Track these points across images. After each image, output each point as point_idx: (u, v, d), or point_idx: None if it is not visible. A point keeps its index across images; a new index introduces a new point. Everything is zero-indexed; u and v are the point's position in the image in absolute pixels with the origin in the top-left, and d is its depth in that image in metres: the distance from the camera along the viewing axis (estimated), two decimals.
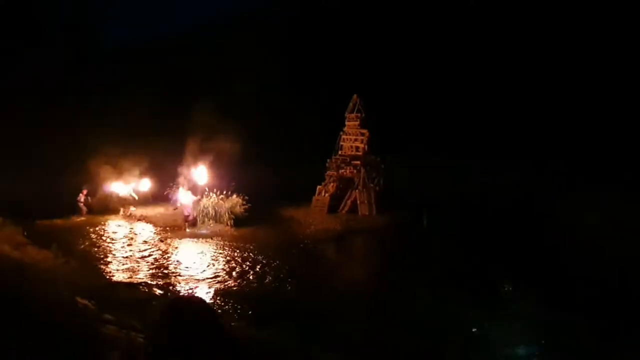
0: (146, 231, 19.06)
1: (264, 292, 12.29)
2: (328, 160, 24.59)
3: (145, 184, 22.70)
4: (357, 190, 23.09)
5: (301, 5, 30.12)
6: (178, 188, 21.42)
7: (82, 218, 21.20)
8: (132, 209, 21.87)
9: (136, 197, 22.57)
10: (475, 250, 15.76)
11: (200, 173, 21.32)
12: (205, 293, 12.14)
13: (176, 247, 16.52)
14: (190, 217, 19.95)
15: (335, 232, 19.41)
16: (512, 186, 22.91)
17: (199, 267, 14.29)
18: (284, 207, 23.24)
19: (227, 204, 20.78)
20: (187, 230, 19.52)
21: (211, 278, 13.24)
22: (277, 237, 18.36)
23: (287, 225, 20.38)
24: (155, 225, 19.89)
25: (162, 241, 17.24)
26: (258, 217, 20.59)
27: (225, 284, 12.86)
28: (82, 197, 21.88)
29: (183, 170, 21.73)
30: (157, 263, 14.69)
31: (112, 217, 21.22)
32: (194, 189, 20.96)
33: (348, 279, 13.60)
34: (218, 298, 11.87)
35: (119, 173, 22.47)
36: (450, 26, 25.96)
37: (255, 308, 11.23)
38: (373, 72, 26.06)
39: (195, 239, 17.72)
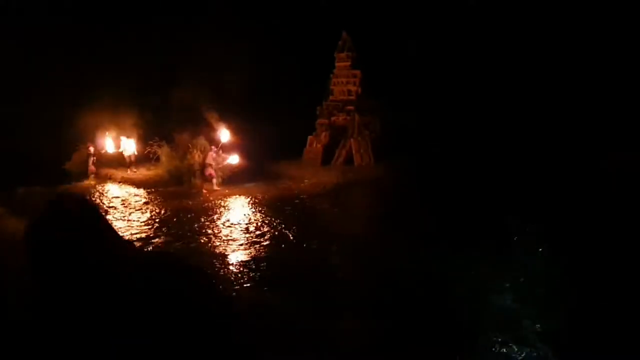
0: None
1: (260, 255, 10.77)
2: (318, 107, 22.47)
3: (131, 145, 20.04)
4: (351, 139, 21.18)
5: None
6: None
7: (92, 182, 18.73)
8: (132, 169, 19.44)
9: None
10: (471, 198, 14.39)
11: (223, 132, 18.69)
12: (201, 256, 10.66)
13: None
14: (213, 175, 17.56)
15: (331, 186, 17.50)
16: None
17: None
18: (275, 161, 21.39)
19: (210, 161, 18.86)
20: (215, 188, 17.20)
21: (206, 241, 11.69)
22: (269, 193, 16.60)
23: (279, 181, 18.53)
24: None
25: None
26: (249, 174, 18.82)
27: (220, 247, 11.37)
28: (91, 158, 19.18)
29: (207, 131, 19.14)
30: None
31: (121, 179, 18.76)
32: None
33: (345, 236, 11.90)
34: (216, 261, 10.40)
35: (116, 131, 20.16)
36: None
37: (253, 271, 9.85)
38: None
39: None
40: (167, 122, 21.23)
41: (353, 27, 21.54)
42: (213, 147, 17.96)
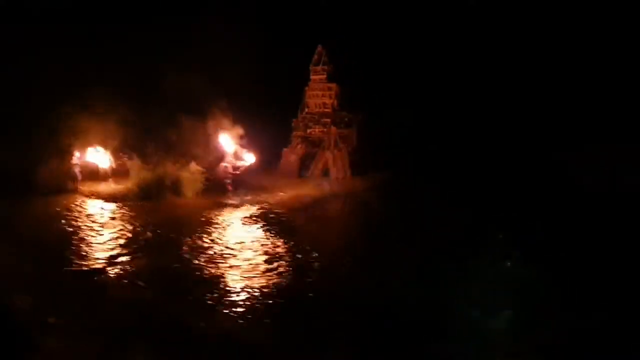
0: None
1: (237, 278, 10.20)
2: (293, 119, 22.24)
3: (104, 157, 19.32)
4: (328, 152, 20.97)
5: None
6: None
7: (77, 187, 18.08)
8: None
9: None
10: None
11: (225, 140, 18.41)
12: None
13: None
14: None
15: (307, 199, 17.27)
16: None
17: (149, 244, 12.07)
18: (249, 174, 20.93)
19: (186, 173, 18.29)
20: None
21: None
22: (244, 206, 16.12)
23: (254, 194, 18.08)
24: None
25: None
26: (219, 186, 18.29)
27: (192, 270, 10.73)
28: (77, 167, 18.54)
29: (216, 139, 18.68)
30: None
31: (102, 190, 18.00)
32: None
33: (324, 253, 11.60)
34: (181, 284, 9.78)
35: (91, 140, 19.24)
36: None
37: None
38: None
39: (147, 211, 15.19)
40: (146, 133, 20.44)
41: (343, 31, 21.31)
42: (229, 152, 17.55)
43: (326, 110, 21.17)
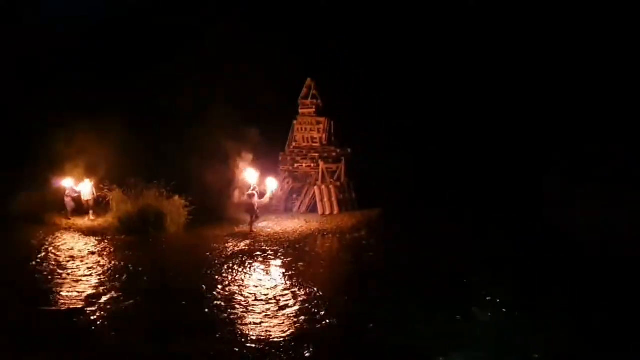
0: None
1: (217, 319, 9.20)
2: (281, 153, 21.63)
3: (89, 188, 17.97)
4: (315, 187, 20.36)
5: None
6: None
7: (69, 219, 17.26)
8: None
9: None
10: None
11: (250, 172, 17.77)
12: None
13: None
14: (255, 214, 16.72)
15: (295, 236, 16.47)
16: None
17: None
18: (233, 209, 20.09)
19: (169, 206, 17.33)
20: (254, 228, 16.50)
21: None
22: (228, 243, 15.21)
23: (239, 229, 17.20)
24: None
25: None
26: (204, 221, 17.43)
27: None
28: (69, 193, 17.48)
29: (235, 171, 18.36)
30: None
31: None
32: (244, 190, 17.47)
33: (311, 294, 10.77)
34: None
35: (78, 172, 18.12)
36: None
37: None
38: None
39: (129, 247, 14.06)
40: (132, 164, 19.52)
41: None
42: (253, 185, 17.02)
43: (314, 144, 20.67)
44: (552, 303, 9.63)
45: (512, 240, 14.47)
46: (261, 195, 17.13)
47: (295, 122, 21.11)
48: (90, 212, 17.90)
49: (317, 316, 9.18)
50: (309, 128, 20.88)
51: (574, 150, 20.65)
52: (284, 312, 9.42)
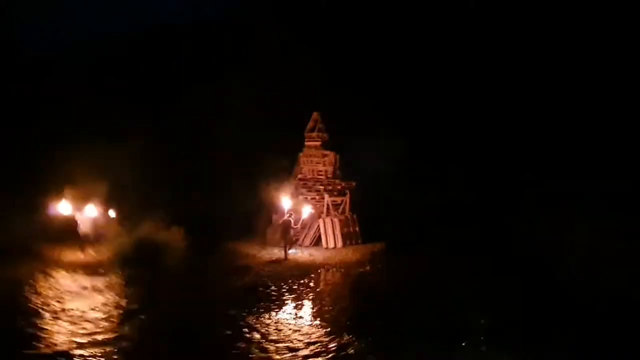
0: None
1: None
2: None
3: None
4: (320, 220, 20.17)
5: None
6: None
7: (91, 252, 16.02)
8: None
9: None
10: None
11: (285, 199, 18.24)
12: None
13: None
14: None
15: (299, 271, 16.23)
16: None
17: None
18: (234, 241, 19.81)
19: (163, 238, 17.10)
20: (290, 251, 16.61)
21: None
22: (230, 278, 14.95)
23: (241, 264, 16.92)
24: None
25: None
26: (204, 254, 17.17)
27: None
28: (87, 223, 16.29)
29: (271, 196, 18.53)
30: None
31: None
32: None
33: (320, 331, 10.48)
34: None
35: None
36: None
37: None
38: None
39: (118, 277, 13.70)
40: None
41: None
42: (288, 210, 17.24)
43: (320, 177, 20.62)
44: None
45: (514, 277, 14.15)
46: (296, 221, 17.16)
47: (301, 154, 21.09)
48: (89, 243, 16.68)
49: None
50: (314, 160, 20.81)
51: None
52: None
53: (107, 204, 17.65)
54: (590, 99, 21.78)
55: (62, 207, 16.60)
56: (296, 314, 11.55)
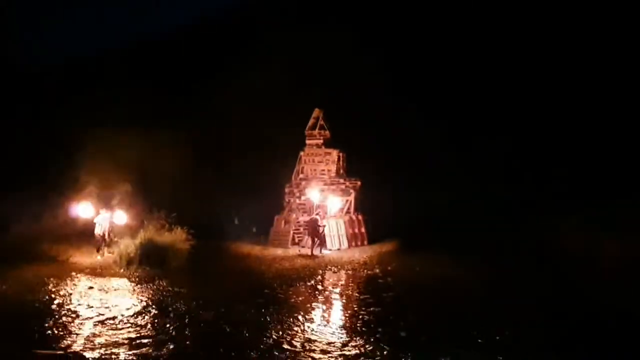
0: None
1: None
2: (287, 185, 20.88)
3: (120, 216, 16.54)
4: (324, 221, 19.43)
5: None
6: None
7: (102, 255, 15.45)
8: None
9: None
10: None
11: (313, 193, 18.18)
12: None
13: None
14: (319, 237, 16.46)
15: (305, 272, 15.49)
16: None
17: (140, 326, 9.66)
18: (236, 242, 19.14)
19: (168, 239, 16.34)
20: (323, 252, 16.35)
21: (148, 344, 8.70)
22: (234, 280, 14.20)
23: (244, 265, 16.14)
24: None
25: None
26: (206, 256, 16.45)
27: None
28: (106, 226, 15.73)
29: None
30: None
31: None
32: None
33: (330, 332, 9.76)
34: None
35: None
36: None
37: None
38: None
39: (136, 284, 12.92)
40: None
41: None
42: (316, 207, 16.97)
43: (322, 176, 19.95)
44: None
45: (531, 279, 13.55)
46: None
47: (302, 153, 20.44)
48: (105, 247, 16.03)
49: None
50: (316, 160, 20.17)
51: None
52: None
53: (122, 205, 17.02)
54: None
55: (83, 209, 16.24)
56: (307, 317, 10.79)
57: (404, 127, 21.16)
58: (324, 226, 16.79)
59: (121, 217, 16.42)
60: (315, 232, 16.32)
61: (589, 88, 22.28)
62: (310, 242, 16.37)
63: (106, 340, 8.87)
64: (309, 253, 16.39)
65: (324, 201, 17.51)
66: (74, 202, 16.30)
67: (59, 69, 23.95)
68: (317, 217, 16.52)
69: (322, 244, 16.42)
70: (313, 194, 17.45)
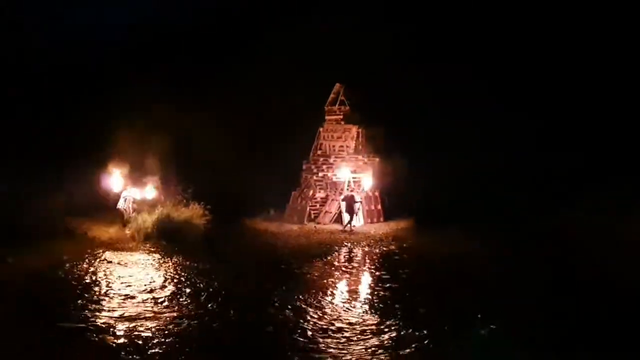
0: None
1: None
2: (304, 161, 20.78)
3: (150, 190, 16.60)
4: (340, 197, 19.37)
5: None
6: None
7: (127, 230, 15.37)
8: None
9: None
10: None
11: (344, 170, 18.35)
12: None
13: None
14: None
15: (321, 247, 15.47)
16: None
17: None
18: (253, 218, 19.20)
19: (185, 214, 16.49)
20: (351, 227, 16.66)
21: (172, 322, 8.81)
22: (252, 255, 14.33)
23: (261, 241, 16.23)
24: None
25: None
26: (223, 232, 16.57)
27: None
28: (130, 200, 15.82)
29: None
30: None
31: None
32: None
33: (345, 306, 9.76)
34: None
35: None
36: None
37: None
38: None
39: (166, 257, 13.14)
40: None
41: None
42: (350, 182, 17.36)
43: (341, 153, 19.80)
44: None
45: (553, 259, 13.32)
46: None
47: (321, 129, 20.26)
48: (128, 218, 15.96)
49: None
50: (335, 136, 19.98)
51: None
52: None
53: (151, 181, 17.07)
54: None
55: (114, 182, 16.36)
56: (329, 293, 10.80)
57: (424, 101, 20.70)
58: (361, 202, 17.09)
59: (150, 192, 16.50)
60: (351, 209, 16.67)
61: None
62: (348, 217, 16.93)
63: (126, 314, 8.96)
64: (342, 229, 17.02)
65: (349, 178, 17.43)
66: (104, 176, 16.48)
67: (92, 45, 23.93)
68: (354, 193, 16.64)
69: (352, 220, 16.84)
70: (344, 171, 17.35)
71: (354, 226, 17.03)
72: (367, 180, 17.34)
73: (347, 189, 16.92)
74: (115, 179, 16.38)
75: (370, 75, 20.08)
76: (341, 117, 19.55)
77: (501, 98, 21.28)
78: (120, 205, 16.18)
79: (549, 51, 22.50)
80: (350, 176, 17.46)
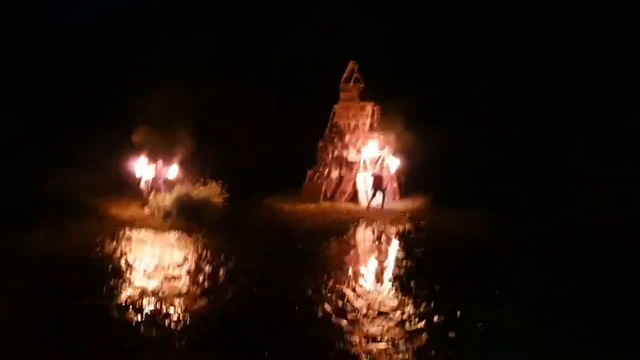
0: None
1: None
2: (320, 139, 20.73)
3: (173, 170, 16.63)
4: (357, 176, 19.36)
5: None
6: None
7: (146, 209, 15.44)
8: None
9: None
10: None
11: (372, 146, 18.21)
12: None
13: None
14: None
15: (337, 228, 15.54)
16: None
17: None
18: (268, 197, 19.28)
19: (204, 193, 16.63)
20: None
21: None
22: (269, 233, 14.51)
23: (277, 220, 16.33)
24: None
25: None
26: (240, 211, 16.72)
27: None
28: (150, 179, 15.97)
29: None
30: None
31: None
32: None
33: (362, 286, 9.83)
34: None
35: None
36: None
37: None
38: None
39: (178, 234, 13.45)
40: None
41: None
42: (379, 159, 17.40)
43: (356, 131, 19.69)
44: None
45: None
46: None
47: (336, 106, 20.14)
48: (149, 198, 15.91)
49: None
50: (350, 113, 19.84)
51: None
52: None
53: (176, 160, 17.12)
54: None
55: (140, 165, 16.49)
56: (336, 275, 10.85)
57: (442, 79, 20.39)
58: (389, 181, 17.01)
59: (173, 171, 16.59)
60: (379, 187, 16.65)
61: None
62: (379, 196, 16.92)
63: (147, 291, 9.04)
64: (366, 206, 17.15)
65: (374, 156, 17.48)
66: (130, 155, 16.67)
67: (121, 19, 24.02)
68: (382, 173, 16.55)
69: (372, 198, 16.97)
70: (371, 149, 17.42)
71: (379, 205, 16.84)
72: (395, 159, 17.12)
73: (379, 167, 16.72)
74: (139, 160, 16.57)
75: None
76: (356, 94, 19.33)
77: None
78: (143, 184, 16.31)
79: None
80: (376, 154, 17.23)
